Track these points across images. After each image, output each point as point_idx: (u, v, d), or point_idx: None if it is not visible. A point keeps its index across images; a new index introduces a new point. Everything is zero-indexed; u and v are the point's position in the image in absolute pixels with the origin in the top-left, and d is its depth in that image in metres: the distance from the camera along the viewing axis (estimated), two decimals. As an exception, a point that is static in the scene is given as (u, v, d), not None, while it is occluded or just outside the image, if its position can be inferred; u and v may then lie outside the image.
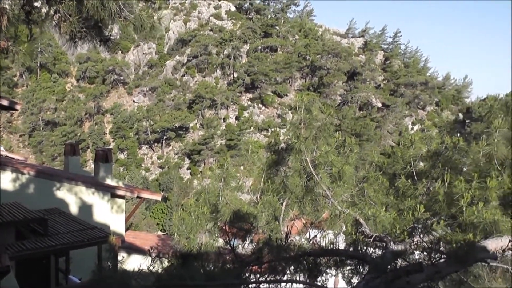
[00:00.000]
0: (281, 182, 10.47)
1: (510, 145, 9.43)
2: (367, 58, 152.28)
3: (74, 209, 21.60)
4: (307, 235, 11.05)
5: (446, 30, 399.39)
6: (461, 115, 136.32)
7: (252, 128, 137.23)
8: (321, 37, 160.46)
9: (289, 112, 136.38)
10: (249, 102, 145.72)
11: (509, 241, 8.17)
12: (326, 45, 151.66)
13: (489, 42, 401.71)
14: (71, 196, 21.69)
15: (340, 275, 10.64)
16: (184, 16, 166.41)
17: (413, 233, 8.80)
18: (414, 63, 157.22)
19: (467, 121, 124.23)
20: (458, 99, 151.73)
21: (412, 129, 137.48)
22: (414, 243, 8.75)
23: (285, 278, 9.55)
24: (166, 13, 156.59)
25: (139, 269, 7.33)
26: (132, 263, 8.58)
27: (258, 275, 9.63)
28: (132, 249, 23.39)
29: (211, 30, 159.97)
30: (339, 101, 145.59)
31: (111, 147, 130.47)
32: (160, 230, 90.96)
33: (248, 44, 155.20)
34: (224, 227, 10.35)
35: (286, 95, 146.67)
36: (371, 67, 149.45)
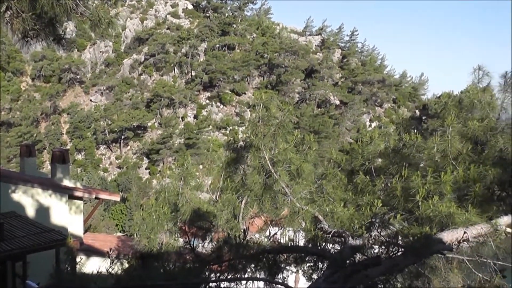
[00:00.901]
0: (240, 180, 10.49)
1: (465, 140, 9.66)
2: (325, 56, 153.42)
3: (31, 212, 21.21)
4: (267, 233, 11.12)
5: (401, 29, 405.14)
6: (417, 112, 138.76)
7: (210, 126, 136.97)
8: (279, 35, 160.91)
9: (248, 110, 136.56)
10: (208, 101, 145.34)
11: (464, 232, 8.37)
12: (284, 43, 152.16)
13: (444, 41, 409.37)
14: (28, 199, 21.29)
15: (300, 271, 10.74)
16: (141, 14, 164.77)
17: (371, 228, 8.93)
18: (371, 61, 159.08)
19: (423, 117, 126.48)
20: (415, 96, 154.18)
21: (370, 126, 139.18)
22: (372, 237, 8.88)
23: (245, 276, 9.58)
24: (123, 10, 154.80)
25: (98, 272, 7.26)
26: (91, 265, 8.51)
27: (219, 274, 9.63)
28: (91, 251, 23.14)
29: (168, 28, 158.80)
30: (297, 99, 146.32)
31: (68, 147, 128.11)
32: (120, 231, 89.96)
33: (206, 43, 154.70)
34: (184, 227, 10.33)
35: (244, 93, 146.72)
36: (329, 65, 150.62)
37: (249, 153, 9.90)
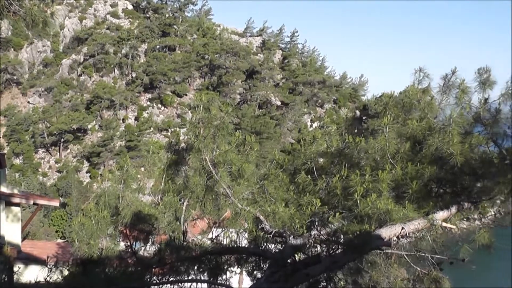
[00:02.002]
0: (182, 182, 10.45)
1: (404, 139, 9.92)
2: (266, 57, 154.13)
3: (-36, 219, 20.50)
4: (210, 235, 11.11)
5: (341, 31, 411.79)
6: (358, 112, 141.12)
7: (152, 128, 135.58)
8: (220, 36, 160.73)
9: (189, 111, 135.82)
10: (148, 102, 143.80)
11: (402, 228, 8.59)
12: (225, 44, 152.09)
13: (384, 42, 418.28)
14: (-39, 206, 20.58)
15: (244, 272, 10.78)
16: (80, 13, 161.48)
17: (312, 227, 9.05)
18: (312, 62, 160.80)
19: (363, 117, 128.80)
20: (355, 97, 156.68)
21: (311, 126, 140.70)
22: (313, 236, 9.00)
23: (188, 278, 9.55)
24: (60, 9, 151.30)
25: (36, 281, 7.09)
26: (30, 274, 8.30)
27: (161, 277, 9.58)
28: (30, 259, 22.51)
29: (108, 28, 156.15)
30: (239, 100, 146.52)
31: (5, 151, 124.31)
32: (60, 238, 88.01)
33: (146, 44, 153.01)
34: (125, 230, 10.21)
35: (186, 95, 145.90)
36: (270, 66, 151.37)
37: (190, 155, 9.88)
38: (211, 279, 9.72)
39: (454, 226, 10.10)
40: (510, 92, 9.81)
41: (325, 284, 9.81)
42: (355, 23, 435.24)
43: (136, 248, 10.16)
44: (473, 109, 10.27)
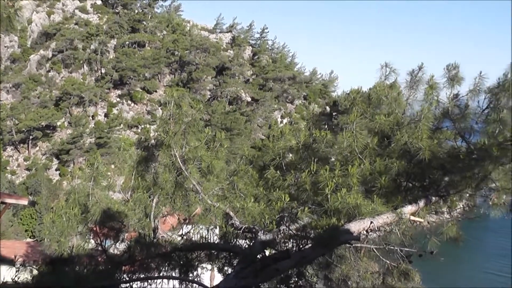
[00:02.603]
0: (152, 178, 10.43)
1: (372, 134, 10.02)
2: (236, 53, 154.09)
3: None
4: (181, 231, 11.09)
5: (312, 27, 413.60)
6: (328, 108, 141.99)
7: (121, 125, 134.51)
8: (189, 32, 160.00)
9: (159, 108, 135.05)
10: (118, 99, 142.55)
11: (371, 222, 8.68)
12: (194, 41, 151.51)
13: (352, 39, 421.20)
14: None
15: (215, 269, 10.80)
16: (48, 8, 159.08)
17: (281, 222, 9.10)
18: (282, 59, 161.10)
19: (334, 113, 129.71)
20: (325, 93, 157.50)
21: (281, 122, 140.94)
22: (282, 231, 9.06)
23: (159, 275, 9.53)
24: (28, 3, 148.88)
25: (3, 281, 7.02)
26: (-1, 275, 8.21)
27: (131, 275, 9.54)
28: (-2, 259, 22.25)
29: (76, 23, 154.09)
30: (209, 96, 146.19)
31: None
32: (30, 237, 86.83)
33: (115, 39, 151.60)
34: (95, 228, 10.14)
35: (156, 91, 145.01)
36: (240, 62, 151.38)
37: (160, 151, 9.86)
38: (182, 275, 9.71)
39: (422, 220, 10.25)
40: (478, 88, 10.00)
41: (296, 279, 9.89)
42: (325, 19, 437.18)
43: (106, 246, 10.10)
44: (441, 105, 10.45)
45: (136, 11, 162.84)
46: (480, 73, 10.03)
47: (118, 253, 10.02)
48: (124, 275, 9.51)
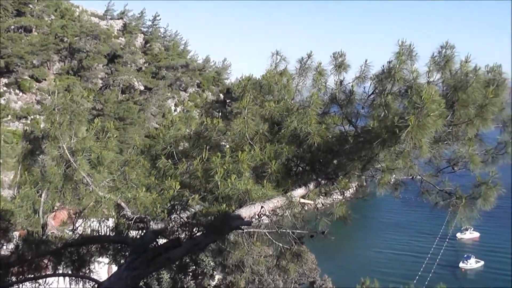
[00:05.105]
0: (39, 172, 10.07)
1: (263, 120, 10.19)
2: (127, 41, 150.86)
3: None
4: (72, 226, 10.82)
5: (205, 15, 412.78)
6: (222, 96, 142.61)
7: (9, 116, 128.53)
8: (79, 18, 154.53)
9: (49, 97, 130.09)
10: (5, 88, 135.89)
11: (261, 207, 8.85)
12: (84, 27, 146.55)
13: (248, 27, 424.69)
14: None
15: (113, 263, 10.63)
16: None
17: (173, 211, 9.09)
18: (174, 46, 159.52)
19: (228, 101, 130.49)
20: (219, 80, 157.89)
21: (175, 110, 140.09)
22: (173, 220, 9.05)
23: (49, 273, 9.27)
24: None
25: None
26: None
27: (20, 276, 9.20)
28: None
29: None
30: (101, 85, 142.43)
31: None
32: None
33: (0, 23, 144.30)
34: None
35: (45, 80, 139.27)
36: (132, 50, 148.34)
37: (47, 144, 9.53)
38: (74, 272, 9.48)
39: (312, 202, 10.56)
40: (364, 75, 10.44)
41: (194, 267, 9.94)
42: (219, 7, 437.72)
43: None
44: (329, 91, 10.82)
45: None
46: (366, 61, 10.50)
47: (7, 253, 9.63)
48: (13, 277, 9.16)
